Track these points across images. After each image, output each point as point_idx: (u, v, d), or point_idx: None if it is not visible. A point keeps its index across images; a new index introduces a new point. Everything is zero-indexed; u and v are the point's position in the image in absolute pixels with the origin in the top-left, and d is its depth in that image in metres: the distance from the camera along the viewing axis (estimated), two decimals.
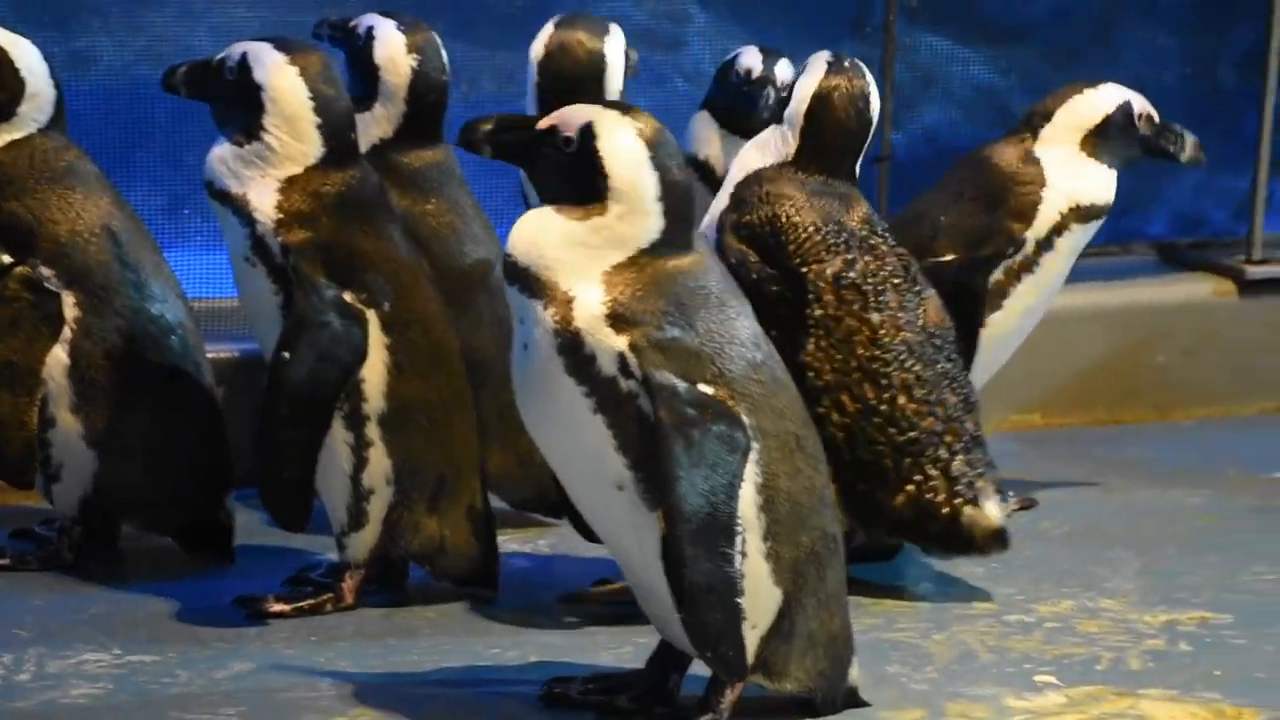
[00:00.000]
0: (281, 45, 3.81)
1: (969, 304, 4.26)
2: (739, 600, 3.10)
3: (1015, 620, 3.85)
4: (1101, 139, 4.37)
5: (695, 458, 3.07)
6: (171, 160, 5.21)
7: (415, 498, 3.80)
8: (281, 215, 3.71)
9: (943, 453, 3.89)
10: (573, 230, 3.15)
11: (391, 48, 4.22)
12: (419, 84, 4.22)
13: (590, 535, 3.45)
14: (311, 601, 3.84)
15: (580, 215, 3.16)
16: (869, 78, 4.02)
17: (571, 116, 3.21)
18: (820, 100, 4.00)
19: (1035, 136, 4.37)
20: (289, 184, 3.73)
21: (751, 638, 3.17)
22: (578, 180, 3.16)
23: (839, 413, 3.84)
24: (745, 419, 3.12)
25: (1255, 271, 5.38)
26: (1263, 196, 5.38)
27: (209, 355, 4.20)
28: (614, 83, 4.09)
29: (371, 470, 3.77)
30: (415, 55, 4.21)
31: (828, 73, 4.00)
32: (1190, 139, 4.43)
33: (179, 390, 4.00)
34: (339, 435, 3.75)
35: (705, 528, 3.06)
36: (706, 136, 4.51)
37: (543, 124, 3.23)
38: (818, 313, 3.88)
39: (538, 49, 4.14)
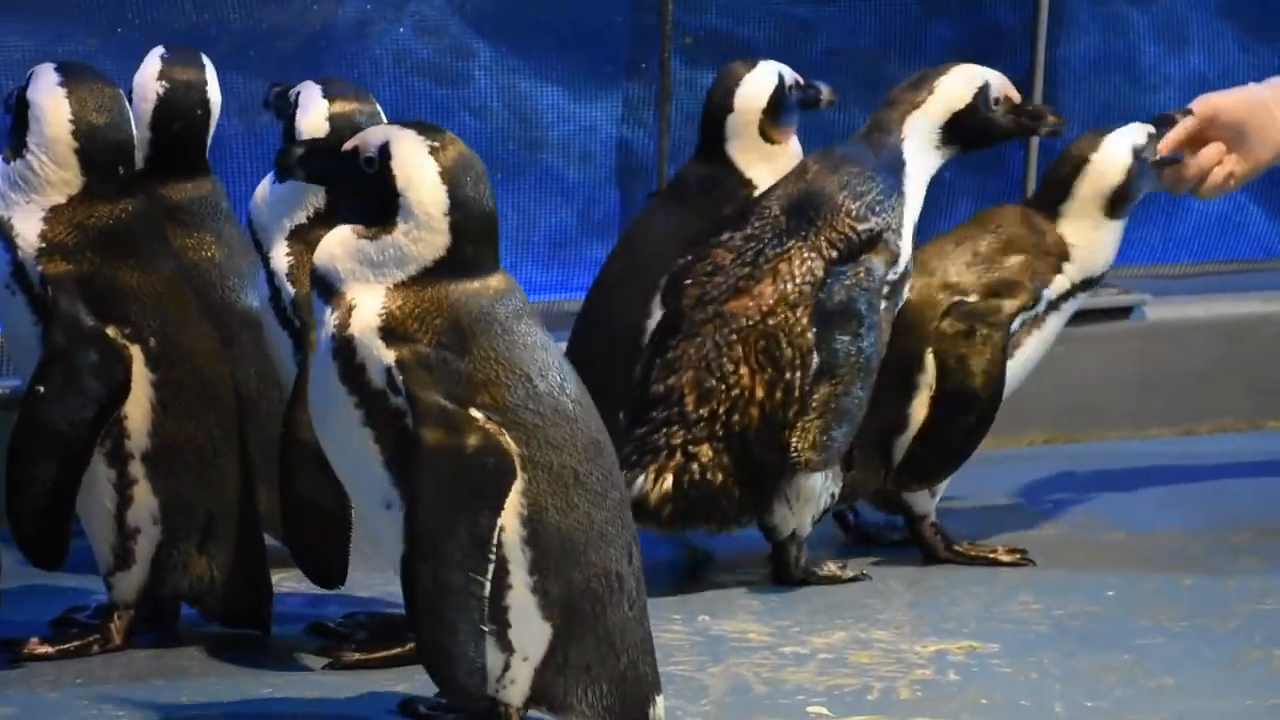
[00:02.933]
0: (64, 68, 3.74)
1: (994, 353, 4.34)
2: (469, 622, 3.08)
3: (790, 652, 3.88)
4: (1122, 198, 4.44)
5: (452, 481, 3.06)
6: None
7: (183, 537, 3.73)
8: (43, 245, 3.64)
9: None
10: (363, 246, 3.19)
11: (144, 74, 4.17)
12: (162, 111, 4.17)
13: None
14: (77, 643, 3.75)
15: (373, 233, 3.19)
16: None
17: (371, 136, 3.26)
18: None
19: (1056, 205, 4.45)
20: (54, 213, 3.65)
21: (524, 670, 3.17)
22: (373, 199, 3.21)
23: None
24: (514, 448, 3.12)
25: None
26: None
27: None
28: None
29: (136, 509, 3.70)
30: (164, 82, 4.16)
31: None
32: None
33: None
34: (101, 473, 3.68)
35: (450, 552, 3.05)
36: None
37: (348, 145, 3.28)
38: None
39: (318, 123, 3.87)
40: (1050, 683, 3.72)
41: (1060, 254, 4.43)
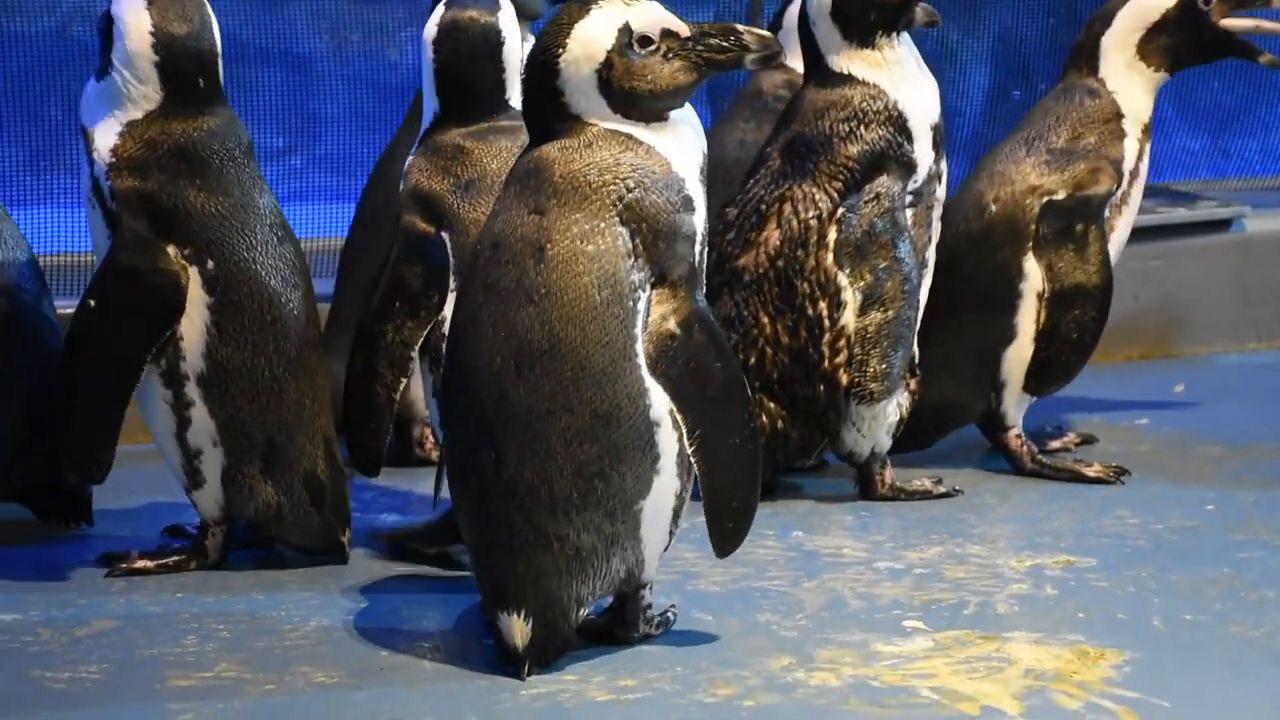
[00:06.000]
0: None
1: (1098, 243, 4.32)
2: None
3: (885, 567, 3.87)
4: (1162, 41, 4.37)
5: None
6: (31, 114, 5.13)
7: (246, 461, 3.76)
8: (115, 159, 3.67)
9: None
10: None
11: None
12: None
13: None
14: (175, 558, 3.80)
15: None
16: None
17: None
18: None
19: (1099, 39, 4.39)
20: (129, 128, 3.69)
21: None
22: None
23: None
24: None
25: None
26: None
27: (66, 312, 4.13)
28: (512, 58, 3.84)
29: (195, 430, 3.73)
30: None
31: None
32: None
33: (16, 353, 3.91)
34: (159, 393, 3.72)
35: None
36: None
37: None
38: None
39: (430, 31, 3.84)
40: (1149, 596, 3.69)
41: (1114, 112, 4.38)
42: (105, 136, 3.68)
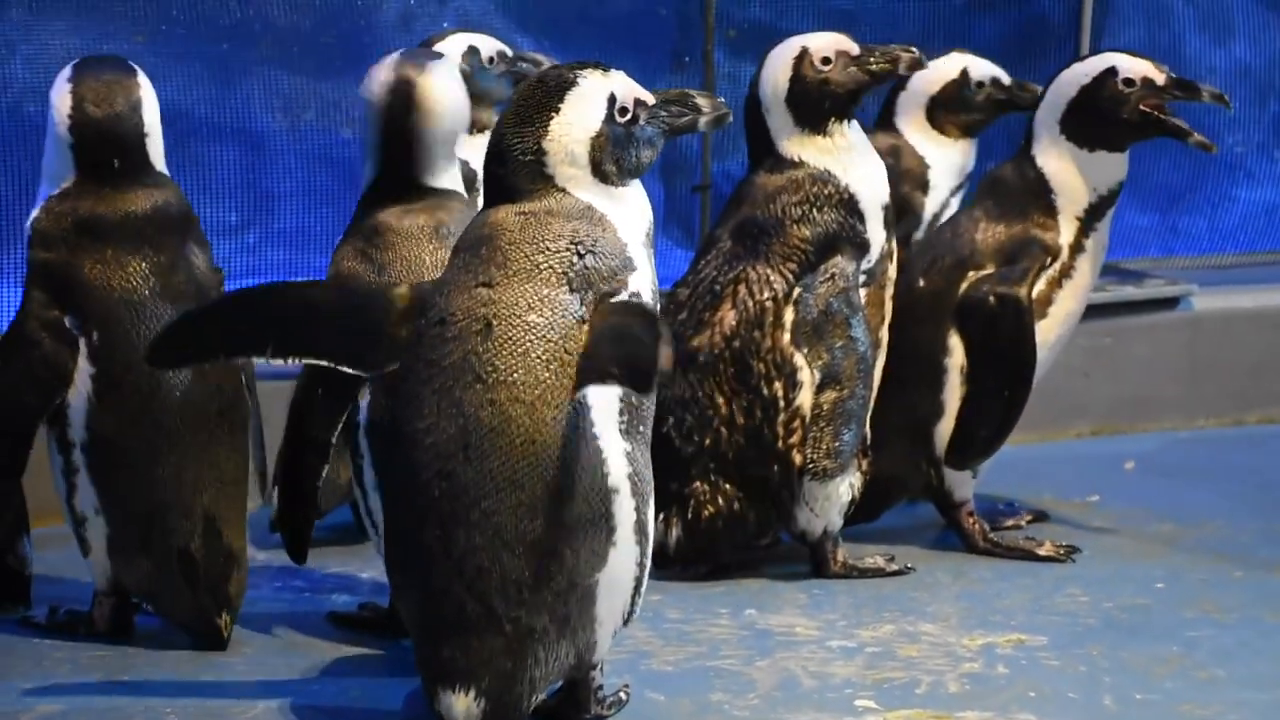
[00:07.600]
0: (80, 64, 3.82)
1: (1018, 316, 4.31)
2: None
3: (838, 645, 3.87)
4: (1085, 121, 4.36)
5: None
6: None
7: (125, 532, 3.78)
8: (32, 234, 3.78)
9: None
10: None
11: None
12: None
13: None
14: (61, 623, 3.86)
15: None
16: None
17: None
18: None
19: (1029, 140, 4.43)
20: (48, 203, 3.78)
21: None
22: None
23: None
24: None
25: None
26: None
27: None
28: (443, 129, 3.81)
29: (80, 497, 3.77)
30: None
31: None
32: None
33: None
34: (55, 459, 3.79)
35: None
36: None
37: None
38: None
39: (374, 90, 3.81)
40: (1099, 675, 3.70)
41: (1044, 190, 4.38)
42: (33, 212, 3.79)
